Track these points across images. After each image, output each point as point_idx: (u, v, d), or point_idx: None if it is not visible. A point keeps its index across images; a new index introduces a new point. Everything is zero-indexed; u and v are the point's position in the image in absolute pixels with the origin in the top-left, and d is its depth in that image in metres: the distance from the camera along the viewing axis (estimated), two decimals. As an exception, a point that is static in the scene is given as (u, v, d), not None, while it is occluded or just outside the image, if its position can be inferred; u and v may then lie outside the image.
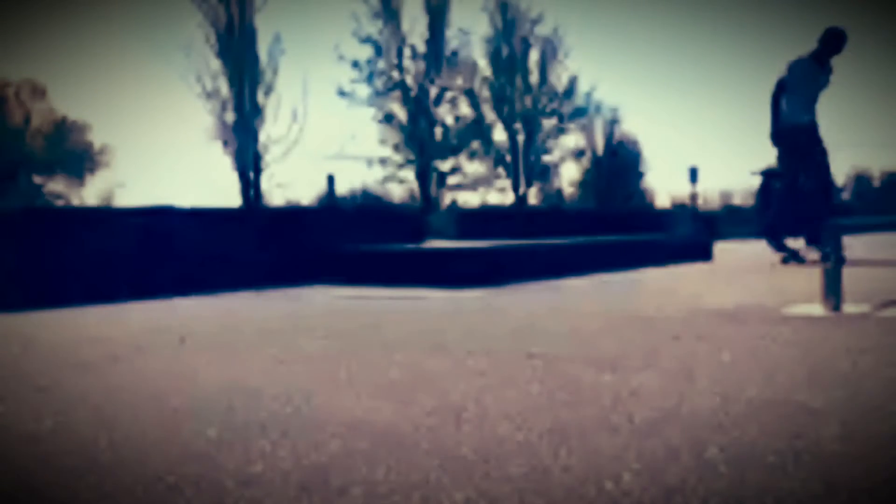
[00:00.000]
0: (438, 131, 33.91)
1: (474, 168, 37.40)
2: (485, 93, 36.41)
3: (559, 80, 36.48)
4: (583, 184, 45.16)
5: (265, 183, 29.44)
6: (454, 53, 33.52)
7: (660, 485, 1.23)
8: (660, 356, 2.33)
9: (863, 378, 1.95)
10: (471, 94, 35.60)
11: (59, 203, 40.67)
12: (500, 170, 37.73)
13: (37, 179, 41.79)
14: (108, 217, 6.00)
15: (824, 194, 5.93)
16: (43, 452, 1.57)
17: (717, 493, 1.19)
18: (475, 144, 36.43)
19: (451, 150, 35.29)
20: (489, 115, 36.61)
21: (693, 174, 30.41)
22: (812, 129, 5.81)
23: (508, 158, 37.40)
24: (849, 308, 3.21)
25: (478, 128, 36.06)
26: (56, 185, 42.83)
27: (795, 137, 5.73)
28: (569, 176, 44.19)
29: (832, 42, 5.61)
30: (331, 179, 26.12)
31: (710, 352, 2.37)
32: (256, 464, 1.43)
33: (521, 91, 36.43)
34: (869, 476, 1.25)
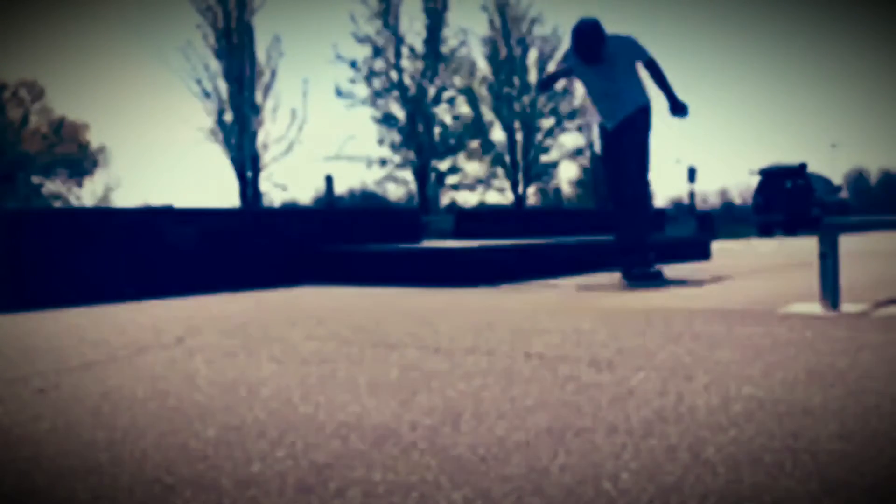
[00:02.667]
0: (437, 131, 33.91)
1: (473, 168, 37.40)
2: (483, 92, 36.45)
3: (558, 79, 36.36)
4: (582, 183, 45.18)
5: (263, 183, 29.43)
6: (452, 53, 33.58)
7: (657, 484, 1.24)
8: (658, 355, 2.33)
9: (861, 377, 1.95)
10: (469, 94, 35.63)
11: (57, 203, 40.63)
12: (499, 169, 37.74)
13: (35, 180, 41.73)
14: (104, 217, 5.99)
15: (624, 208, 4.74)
16: (42, 454, 1.57)
17: (714, 493, 1.19)
18: (473, 144, 36.44)
19: (450, 149, 35.30)
20: (487, 114, 36.62)
21: (691, 174, 30.42)
22: (605, 135, 4.77)
23: (507, 158, 37.42)
24: (847, 307, 3.22)
25: (476, 127, 36.09)
26: (54, 186, 42.78)
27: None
28: (568, 175, 44.14)
29: (573, 40, 4.63)
30: (329, 179, 26.10)
31: (708, 351, 2.38)
32: (254, 464, 1.44)
33: (520, 90, 36.45)
34: (868, 476, 1.25)
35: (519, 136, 36.95)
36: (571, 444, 1.48)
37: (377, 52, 32.27)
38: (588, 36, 4.49)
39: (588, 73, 4.68)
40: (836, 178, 31.96)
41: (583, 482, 1.26)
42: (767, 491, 1.19)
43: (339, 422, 1.71)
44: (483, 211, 24.16)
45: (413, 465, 1.39)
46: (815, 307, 3.25)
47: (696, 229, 18.76)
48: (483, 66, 35.92)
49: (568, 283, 5.17)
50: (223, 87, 28.08)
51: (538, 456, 1.41)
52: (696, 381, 1.96)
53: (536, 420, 1.66)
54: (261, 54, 28.63)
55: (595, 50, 4.50)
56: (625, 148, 4.71)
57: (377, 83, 32.72)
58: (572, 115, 37.06)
